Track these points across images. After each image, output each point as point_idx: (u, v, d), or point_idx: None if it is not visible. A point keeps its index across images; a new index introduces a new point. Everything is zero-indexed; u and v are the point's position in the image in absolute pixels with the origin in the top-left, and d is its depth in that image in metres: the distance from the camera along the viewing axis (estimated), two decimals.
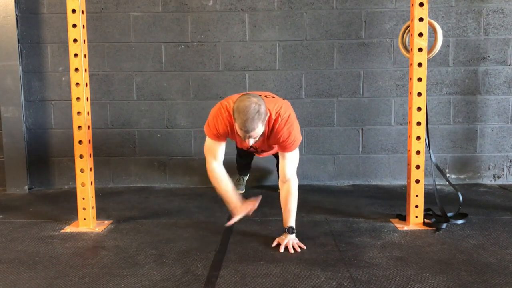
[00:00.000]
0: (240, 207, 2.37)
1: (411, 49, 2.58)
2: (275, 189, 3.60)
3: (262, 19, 3.66)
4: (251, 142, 2.23)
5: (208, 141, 2.48)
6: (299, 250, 2.28)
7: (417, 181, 2.65)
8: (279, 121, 2.33)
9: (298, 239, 2.37)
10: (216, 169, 2.47)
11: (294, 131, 2.37)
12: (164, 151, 3.81)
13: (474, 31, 3.64)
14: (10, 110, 3.67)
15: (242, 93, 2.49)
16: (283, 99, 2.62)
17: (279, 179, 2.51)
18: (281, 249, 2.28)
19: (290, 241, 2.32)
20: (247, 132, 2.15)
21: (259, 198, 2.39)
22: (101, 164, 3.78)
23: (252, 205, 2.38)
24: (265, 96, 2.44)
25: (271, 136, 2.39)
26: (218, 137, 2.43)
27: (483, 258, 2.17)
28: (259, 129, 2.17)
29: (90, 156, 2.68)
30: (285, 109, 2.39)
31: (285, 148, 2.39)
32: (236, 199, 2.42)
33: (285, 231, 2.36)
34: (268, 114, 2.29)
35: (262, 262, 2.15)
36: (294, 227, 2.37)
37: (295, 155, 2.45)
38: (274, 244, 2.35)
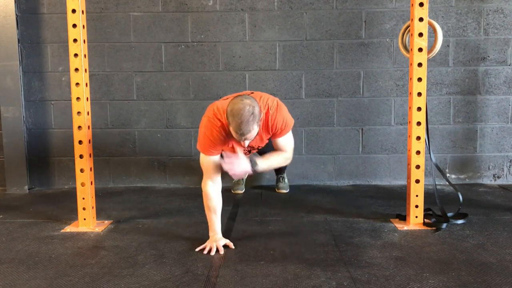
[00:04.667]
0: (216, 240, 2.35)
1: (411, 49, 2.58)
2: (274, 189, 3.61)
3: (262, 19, 3.66)
4: (247, 143, 2.23)
5: (202, 157, 2.38)
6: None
7: (417, 181, 2.65)
8: (271, 112, 2.32)
9: (298, 241, 2.37)
10: (209, 192, 2.36)
11: (285, 115, 2.38)
12: (164, 151, 3.81)
13: (474, 31, 3.65)
14: (10, 110, 3.67)
15: (225, 97, 2.48)
16: (261, 92, 2.60)
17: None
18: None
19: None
20: (242, 135, 2.13)
21: (232, 245, 2.35)
22: (101, 164, 3.78)
23: (226, 245, 2.35)
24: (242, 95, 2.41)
25: (266, 130, 2.38)
26: (214, 150, 2.34)
27: (483, 258, 2.17)
28: (255, 131, 2.15)
29: (90, 156, 2.68)
30: (271, 99, 2.39)
31: (279, 134, 2.39)
32: (218, 230, 2.39)
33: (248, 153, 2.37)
34: (262, 114, 2.27)
35: (262, 262, 2.15)
36: (259, 164, 2.28)
37: (290, 135, 2.45)
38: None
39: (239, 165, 2.22)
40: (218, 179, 2.39)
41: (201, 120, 2.39)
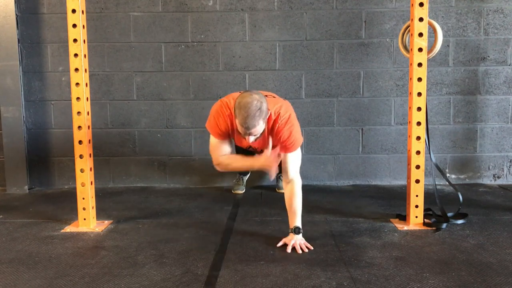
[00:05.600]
0: (266, 158, 2.23)
1: (411, 49, 2.58)
2: (274, 189, 3.61)
3: (262, 19, 3.66)
4: (251, 139, 2.22)
5: (212, 139, 2.46)
6: (306, 250, 2.28)
7: (417, 181, 2.65)
8: (279, 121, 2.32)
9: None
10: (223, 157, 2.44)
11: (294, 131, 2.36)
12: (164, 151, 3.81)
13: (474, 31, 3.65)
14: (10, 110, 3.67)
15: (243, 91, 2.48)
16: (284, 99, 2.62)
17: (283, 180, 2.50)
18: (289, 249, 2.28)
19: (298, 241, 2.32)
20: (247, 129, 2.13)
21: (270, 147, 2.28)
22: (101, 164, 3.78)
23: (274, 154, 2.26)
24: (266, 96, 2.44)
25: (271, 136, 2.38)
26: (221, 135, 2.41)
27: (483, 258, 2.17)
28: (260, 126, 2.16)
29: (90, 156, 2.68)
30: (286, 109, 2.38)
31: (286, 148, 2.38)
32: (256, 158, 2.34)
33: (291, 231, 2.36)
34: (269, 113, 2.28)
35: (262, 262, 2.15)
36: (300, 227, 2.37)
37: (297, 155, 2.44)
38: (280, 244, 2.35)
39: (301, 244, 2.31)
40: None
41: (215, 103, 2.45)
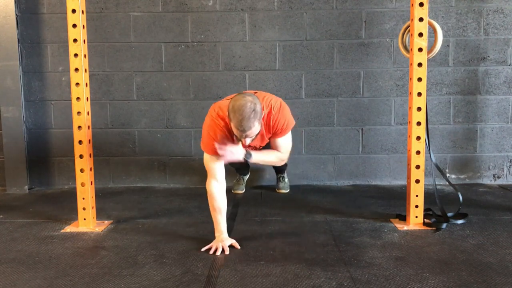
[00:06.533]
0: (222, 240, 2.33)
1: (411, 49, 2.58)
2: (274, 189, 3.61)
3: (262, 19, 3.66)
4: (248, 141, 2.22)
5: (207, 157, 2.39)
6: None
7: (417, 181, 2.65)
8: (273, 112, 2.35)
9: (298, 241, 2.38)
10: (214, 191, 2.36)
11: (287, 116, 2.41)
12: (164, 151, 3.81)
13: (474, 31, 3.65)
14: (10, 110, 3.67)
15: (228, 97, 2.47)
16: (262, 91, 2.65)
17: None
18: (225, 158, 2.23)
19: (237, 153, 2.24)
20: (243, 131, 2.13)
21: (237, 245, 2.33)
22: (101, 164, 3.78)
23: (232, 245, 2.33)
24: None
25: (267, 130, 2.39)
26: (216, 150, 2.33)
27: (483, 258, 2.17)
28: (256, 128, 2.15)
29: (90, 156, 2.68)
30: (275, 99, 2.43)
31: (280, 133, 2.41)
32: (224, 230, 2.37)
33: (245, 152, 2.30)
34: (263, 113, 2.28)
35: (262, 262, 2.15)
36: (253, 157, 2.31)
37: (288, 137, 2.48)
38: (217, 147, 2.25)
39: (233, 152, 2.22)
40: (222, 179, 2.40)
41: (205, 119, 2.40)
